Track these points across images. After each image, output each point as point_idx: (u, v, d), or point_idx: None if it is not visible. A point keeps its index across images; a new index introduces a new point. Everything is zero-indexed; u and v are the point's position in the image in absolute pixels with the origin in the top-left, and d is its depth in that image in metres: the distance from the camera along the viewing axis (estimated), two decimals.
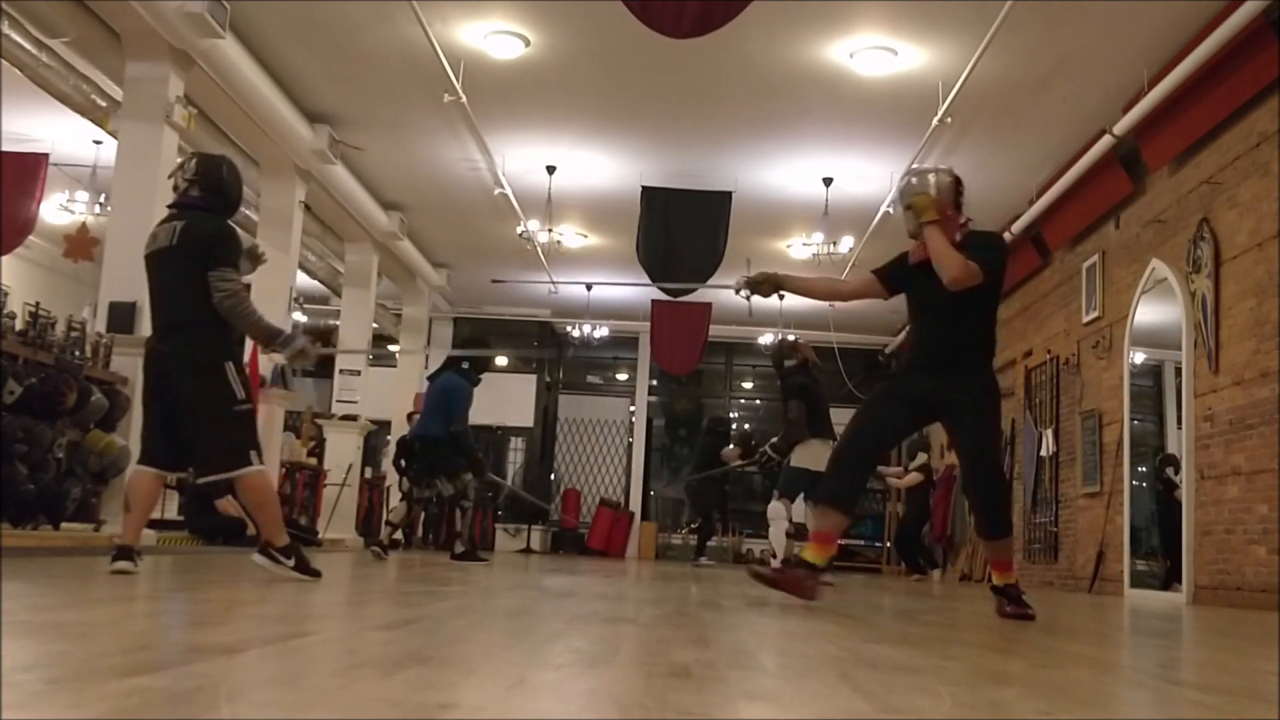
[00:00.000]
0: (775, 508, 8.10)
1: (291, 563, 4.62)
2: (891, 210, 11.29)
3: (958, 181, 4.65)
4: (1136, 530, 8.95)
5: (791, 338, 8.95)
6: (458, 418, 8.53)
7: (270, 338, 4.78)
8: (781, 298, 4.94)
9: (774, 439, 8.63)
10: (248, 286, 4.82)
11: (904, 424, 4.78)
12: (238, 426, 4.48)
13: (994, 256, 4.54)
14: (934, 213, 4.47)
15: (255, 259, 4.94)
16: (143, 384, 4.73)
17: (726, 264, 11.22)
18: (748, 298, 4.92)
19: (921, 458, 13.59)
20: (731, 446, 12.34)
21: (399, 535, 12.13)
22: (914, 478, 13.46)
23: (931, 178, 4.59)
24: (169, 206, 4.79)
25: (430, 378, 9.15)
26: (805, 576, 4.50)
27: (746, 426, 16.59)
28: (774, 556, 8.19)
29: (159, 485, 4.73)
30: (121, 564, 4.33)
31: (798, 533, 8.06)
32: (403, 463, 9.43)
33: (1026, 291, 12.18)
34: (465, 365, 8.77)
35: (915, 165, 4.87)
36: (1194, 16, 7.50)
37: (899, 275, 4.71)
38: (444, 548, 11.16)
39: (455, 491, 8.68)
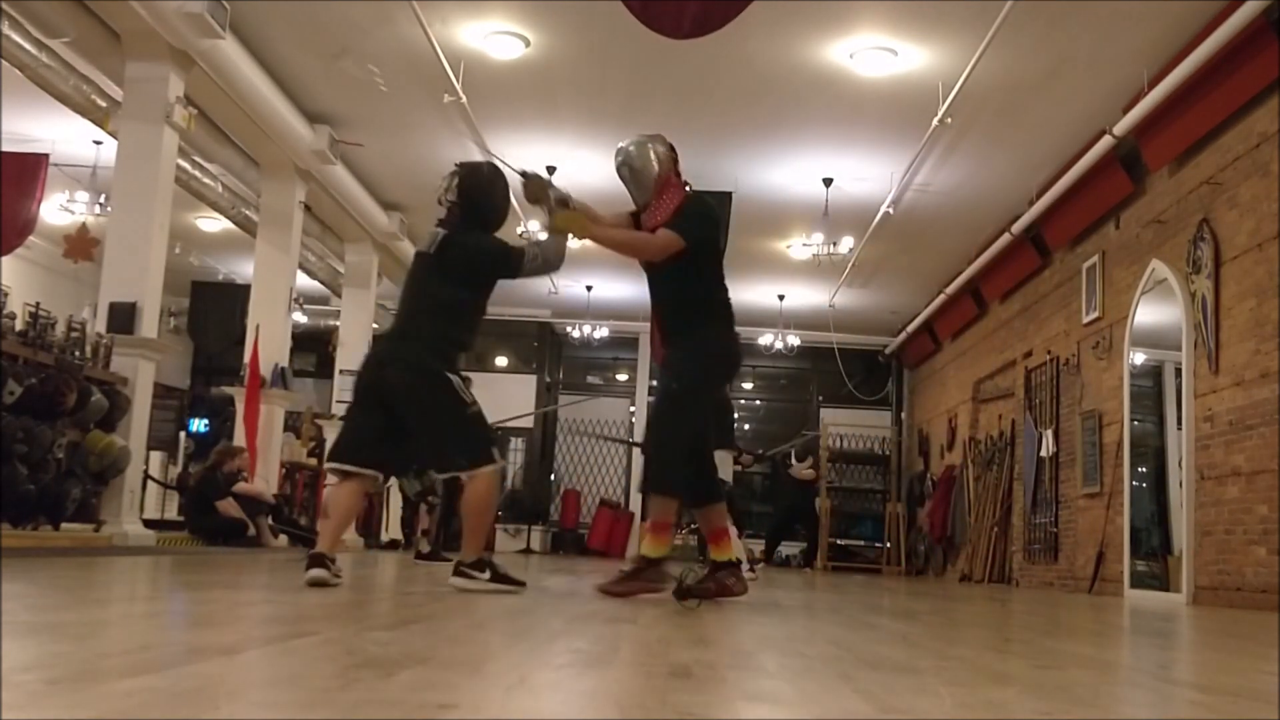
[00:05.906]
0: None
1: (487, 575, 4.42)
2: (891, 210, 11.30)
3: None
4: (1136, 531, 8.95)
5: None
6: None
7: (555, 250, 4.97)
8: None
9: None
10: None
11: None
12: (478, 425, 4.45)
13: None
14: None
15: (563, 201, 4.95)
16: (357, 383, 4.58)
17: (727, 264, 11.20)
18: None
19: (810, 460, 15.08)
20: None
21: (399, 536, 12.08)
22: (809, 473, 14.75)
23: None
24: (439, 221, 4.70)
25: None
26: (649, 574, 4.71)
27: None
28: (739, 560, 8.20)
29: (361, 495, 4.55)
30: (314, 573, 4.09)
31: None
32: None
33: (1026, 292, 12.17)
34: None
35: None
36: (1194, 17, 7.50)
37: None
38: (409, 547, 10.74)
39: (421, 489, 8.49)
